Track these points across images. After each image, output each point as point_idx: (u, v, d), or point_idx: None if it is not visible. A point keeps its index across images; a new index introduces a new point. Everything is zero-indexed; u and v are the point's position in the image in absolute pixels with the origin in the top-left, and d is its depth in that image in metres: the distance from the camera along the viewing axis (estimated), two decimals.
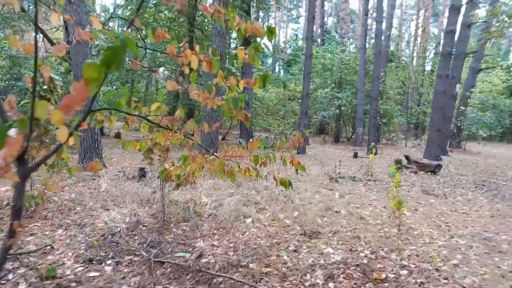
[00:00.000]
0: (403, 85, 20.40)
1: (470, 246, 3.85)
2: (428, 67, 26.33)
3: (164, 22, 14.75)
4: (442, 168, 8.79)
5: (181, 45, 2.26)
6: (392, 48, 21.73)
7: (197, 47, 2.26)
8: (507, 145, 22.33)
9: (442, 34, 16.22)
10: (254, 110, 16.60)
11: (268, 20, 36.01)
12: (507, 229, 4.60)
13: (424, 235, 4.12)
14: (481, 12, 18.91)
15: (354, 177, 7.44)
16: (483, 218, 5.04)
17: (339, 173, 7.62)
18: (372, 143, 12.12)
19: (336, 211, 4.86)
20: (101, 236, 3.55)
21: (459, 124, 16.94)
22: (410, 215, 4.90)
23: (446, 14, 12.54)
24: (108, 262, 2.98)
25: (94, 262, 2.95)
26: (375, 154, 9.51)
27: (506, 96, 22.31)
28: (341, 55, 18.66)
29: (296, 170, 2.71)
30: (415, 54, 26.84)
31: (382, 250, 3.58)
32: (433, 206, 5.55)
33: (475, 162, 11.62)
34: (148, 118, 2.33)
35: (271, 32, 2.25)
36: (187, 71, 2.19)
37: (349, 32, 28.22)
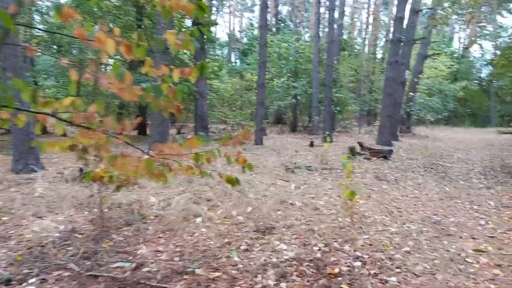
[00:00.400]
0: (355, 73, 20.87)
1: (421, 231, 3.89)
2: (379, 55, 27.19)
3: (109, 9, 13.78)
4: (393, 153, 9.03)
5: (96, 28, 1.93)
6: (345, 36, 22.10)
7: (116, 30, 1.94)
8: (452, 128, 23.76)
9: (392, 22, 16.68)
10: (210, 102, 16.15)
11: (222, 9, 35.22)
12: (455, 210, 4.74)
13: (377, 222, 4.10)
14: None
15: (310, 166, 7.40)
16: (432, 201, 5.16)
17: (295, 163, 7.54)
18: (327, 132, 12.23)
19: (291, 203, 4.73)
20: (28, 249, 3.13)
21: (408, 110, 17.64)
22: (363, 202, 4.89)
23: (396, 2, 12.81)
24: (31, 280, 2.59)
25: (13, 282, 2.55)
26: (330, 142, 9.58)
27: (450, 81, 23.60)
28: (296, 44, 18.65)
29: (243, 168, 2.48)
30: (366, 42, 27.59)
31: (336, 241, 3.48)
32: (385, 192, 5.62)
33: (424, 146, 12.14)
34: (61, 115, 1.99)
35: (201, 8, 1.97)
36: (103, 57, 1.87)
37: (303, 21, 28.36)
